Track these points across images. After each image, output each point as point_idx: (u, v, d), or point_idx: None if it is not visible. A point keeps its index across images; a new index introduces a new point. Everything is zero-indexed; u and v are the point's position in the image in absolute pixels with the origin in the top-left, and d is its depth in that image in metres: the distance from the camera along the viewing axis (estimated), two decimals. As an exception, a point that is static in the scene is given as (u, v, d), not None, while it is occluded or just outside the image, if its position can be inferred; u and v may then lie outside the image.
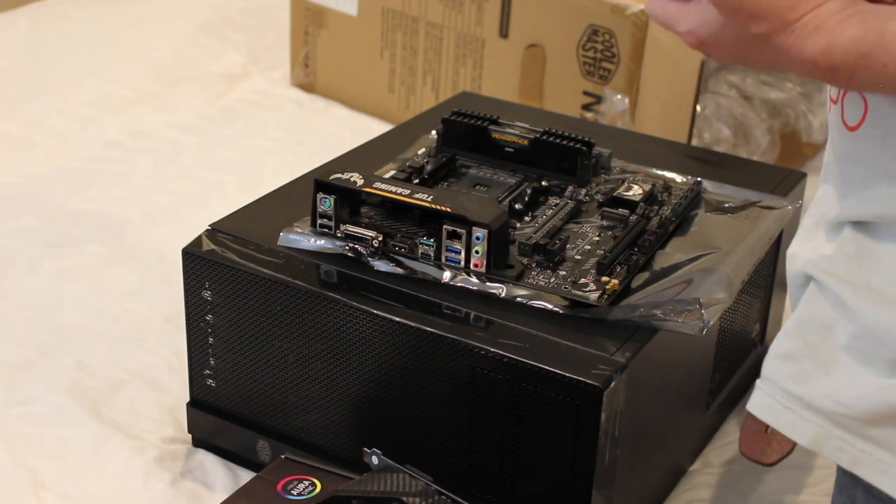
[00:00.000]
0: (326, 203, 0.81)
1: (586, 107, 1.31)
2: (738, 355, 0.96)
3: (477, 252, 0.78)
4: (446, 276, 0.79)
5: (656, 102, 1.25)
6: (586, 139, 0.91)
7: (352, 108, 1.51)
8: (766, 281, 0.97)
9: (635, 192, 0.87)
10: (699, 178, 0.92)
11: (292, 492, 0.76)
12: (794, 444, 0.70)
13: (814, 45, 0.56)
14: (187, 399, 0.90)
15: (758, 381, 0.66)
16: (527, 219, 0.86)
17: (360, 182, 0.80)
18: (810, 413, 0.63)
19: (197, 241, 0.84)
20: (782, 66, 0.59)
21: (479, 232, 0.77)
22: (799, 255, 0.68)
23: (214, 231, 0.85)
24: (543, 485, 0.74)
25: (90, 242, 1.17)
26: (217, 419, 0.88)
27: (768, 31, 0.57)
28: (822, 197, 0.69)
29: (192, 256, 0.83)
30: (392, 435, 0.79)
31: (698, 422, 0.92)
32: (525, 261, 0.80)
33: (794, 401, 0.63)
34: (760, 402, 0.66)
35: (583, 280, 0.78)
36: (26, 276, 1.11)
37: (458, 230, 0.78)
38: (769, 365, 0.66)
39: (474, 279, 0.78)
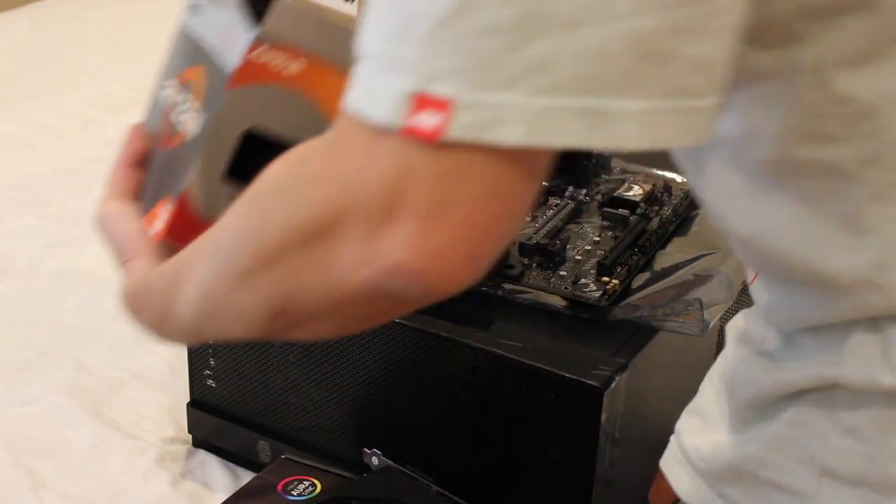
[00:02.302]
0: (327, 203, 0.81)
1: (586, 107, 1.30)
2: (738, 356, 0.96)
3: (477, 252, 0.77)
4: (447, 276, 0.78)
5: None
6: (587, 139, 0.90)
7: (352, 108, 1.51)
8: (767, 281, 0.97)
9: (635, 192, 0.87)
10: (699, 179, 0.92)
11: (292, 492, 0.76)
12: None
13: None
14: (187, 399, 0.89)
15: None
16: (527, 219, 0.85)
17: (360, 182, 0.80)
18: (690, 467, 0.61)
19: (197, 241, 0.83)
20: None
21: (479, 232, 0.77)
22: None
23: (215, 231, 0.84)
24: (543, 485, 0.74)
25: (90, 242, 1.17)
26: (217, 419, 0.88)
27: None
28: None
29: (193, 256, 0.82)
30: (392, 435, 0.79)
31: (698, 422, 0.92)
32: (526, 261, 0.80)
33: (681, 452, 0.62)
34: (666, 453, 0.65)
35: (583, 280, 0.78)
36: (26, 276, 1.11)
37: (459, 230, 0.77)
38: (680, 419, 0.66)
39: (475, 279, 0.78)
